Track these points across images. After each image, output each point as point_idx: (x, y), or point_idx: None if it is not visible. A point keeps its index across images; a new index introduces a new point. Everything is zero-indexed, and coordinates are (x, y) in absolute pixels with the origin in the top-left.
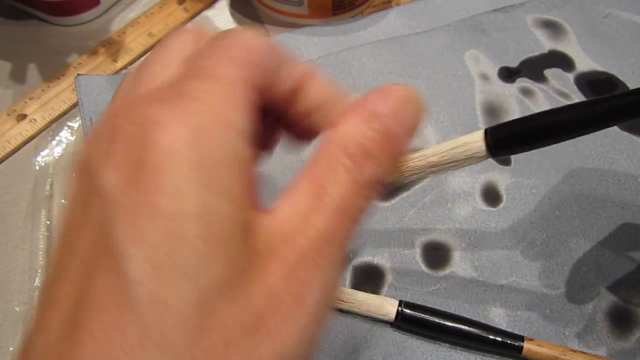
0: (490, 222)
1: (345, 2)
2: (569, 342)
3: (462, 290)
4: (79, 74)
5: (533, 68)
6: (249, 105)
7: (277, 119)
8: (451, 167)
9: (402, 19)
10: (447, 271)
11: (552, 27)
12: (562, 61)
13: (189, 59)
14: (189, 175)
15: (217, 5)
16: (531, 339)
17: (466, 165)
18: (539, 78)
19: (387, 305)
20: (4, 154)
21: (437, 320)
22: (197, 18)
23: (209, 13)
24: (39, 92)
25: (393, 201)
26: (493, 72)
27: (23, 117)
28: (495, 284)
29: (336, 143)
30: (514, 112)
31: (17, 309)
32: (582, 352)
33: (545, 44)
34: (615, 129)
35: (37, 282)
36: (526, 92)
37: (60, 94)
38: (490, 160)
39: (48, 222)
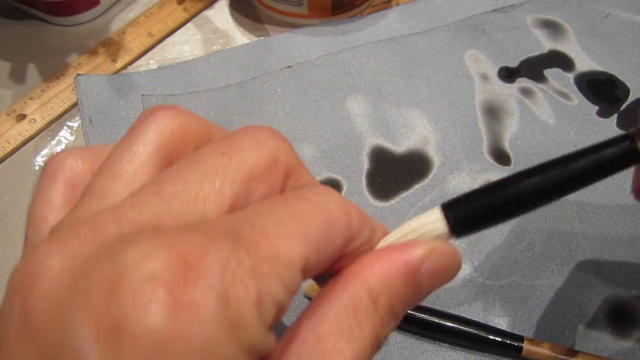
0: None
1: (345, 2)
2: (569, 342)
3: (462, 290)
4: (78, 74)
5: (533, 68)
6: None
7: None
8: None
9: (402, 19)
10: None
11: (552, 27)
12: (562, 61)
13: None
14: None
15: (216, 5)
16: (531, 339)
17: None
18: (539, 78)
19: None
20: (3, 154)
21: (437, 320)
22: (196, 18)
23: (209, 13)
24: (38, 92)
25: (393, 201)
26: (493, 72)
27: (23, 117)
28: (495, 284)
29: (363, 286)
30: (513, 112)
31: None
32: (582, 352)
33: (545, 44)
34: (615, 129)
35: None
36: (526, 92)
37: (59, 94)
38: (490, 160)
39: None
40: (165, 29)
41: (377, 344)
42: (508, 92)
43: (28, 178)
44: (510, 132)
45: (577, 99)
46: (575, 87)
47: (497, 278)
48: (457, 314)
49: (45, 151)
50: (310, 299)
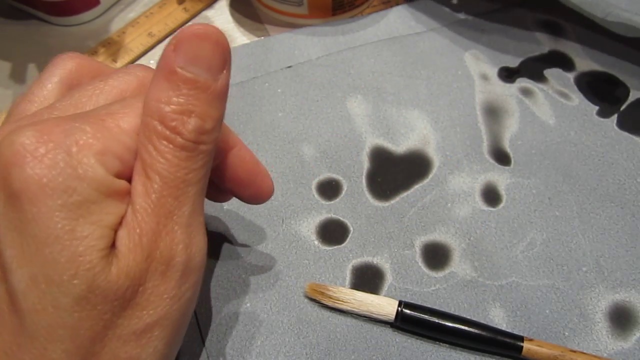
0: (490, 222)
1: (345, 2)
2: (569, 342)
3: (462, 290)
4: None
5: (533, 68)
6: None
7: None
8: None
9: (402, 19)
10: (447, 271)
11: (552, 27)
12: (562, 61)
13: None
14: (53, 204)
15: (216, 5)
16: (531, 339)
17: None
18: (539, 78)
19: (386, 306)
20: None
21: (437, 321)
22: (196, 18)
23: (209, 13)
24: None
25: (393, 201)
26: (493, 72)
27: None
28: (495, 284)
29: (147, 113)
30: (514, 112)
31: None
32: (582, 353)
33: (545, 44)
34: (615, 129)
35: None
36: (526, 92)
37: None
38: (490, 160)
39: None
40: (165, 29)
41: (184, 149)
42: (508, 92)
43: None
44: (510, 132)
45: (577, 99)
46: (575, 87)
47: (497, 278)
48: (457, 314)
49: None
50: (310, 299)
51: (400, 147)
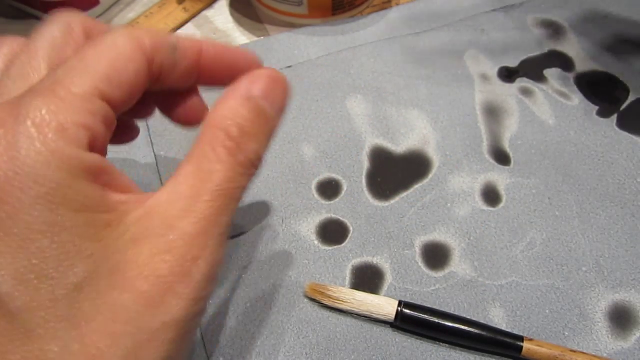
0: (490, 222)
1: (345, 2)
2: (569, 342)
3: (462, 290)
4: None
5: (533, 68)
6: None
7: (165, 104)
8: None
9: (402, 19)
10: (447, 271)
11: (552, 27)
12: (562, 61)
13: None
14: (26, 198)
15: (216, 5)
16: (531, 339)
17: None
18: (539, 78)
19: (386, 306)
20: None
21: (437, 321)
22: (196, 18)
23: (209, 13)
24: None
25: (393, 201)
26: (493, 72)
27: None
28: (495, 284)
29: (216, 126)
30: (513, 112)
31: None
32: (582, 352)
33: (545, 44)
34: (615, 129)
35: None
36: (526, 92)
37: None
38: (490, 160)
39: None
40: (165, 29)
41: (241, 166)
42: (508, 92)
43: None
44: (510, 132)
45: (577, 99)
46: (575, 87)
47: (497, 278)
48: (457, 314)
49: None
50: (310, 299)
51: (400, 147)
